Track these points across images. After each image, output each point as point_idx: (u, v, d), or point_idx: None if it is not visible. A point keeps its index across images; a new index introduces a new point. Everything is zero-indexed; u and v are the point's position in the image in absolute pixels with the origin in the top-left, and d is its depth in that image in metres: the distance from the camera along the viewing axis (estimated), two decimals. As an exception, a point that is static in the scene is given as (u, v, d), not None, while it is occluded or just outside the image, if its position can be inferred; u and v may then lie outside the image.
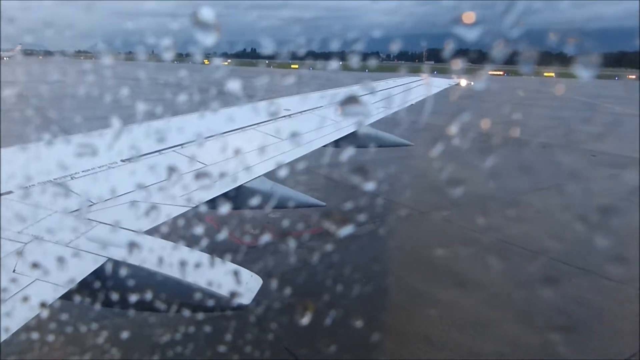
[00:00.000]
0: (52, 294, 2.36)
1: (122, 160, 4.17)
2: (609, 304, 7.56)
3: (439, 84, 11.52)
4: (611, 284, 8.14)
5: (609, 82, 61.77)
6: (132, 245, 2.85)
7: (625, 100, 40.11)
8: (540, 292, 7.59)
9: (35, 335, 2.96)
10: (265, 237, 9.69)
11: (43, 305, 2.29)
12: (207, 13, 2.54)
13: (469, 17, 2.48)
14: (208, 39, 2.52)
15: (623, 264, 8.31)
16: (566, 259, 8.93)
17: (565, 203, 12.63)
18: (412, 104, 9.30)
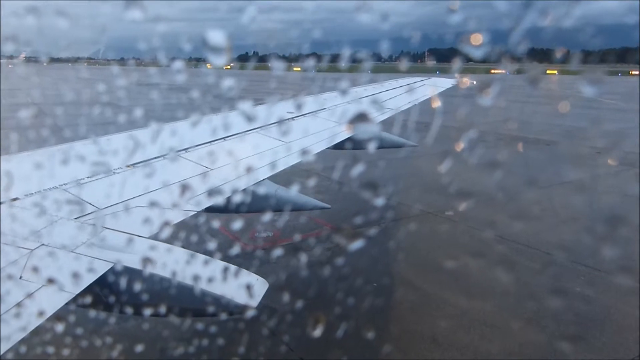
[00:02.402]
0: (59, 300, 2.37)
1: (128, 166, 4.18)
2: None
3: (441, 83, 11.51)
4: None
5: (612, 79, 61.47)
6: (139, 251, 2.86)
7: (629, 97, 39.93)
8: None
9: (42, 342, 2.97)
10: (271, 240, 9.70)
11: (50, 311, 2.30)
12: (217, 37, 2.55)
13: (476, 38, 2.49)
14: (220, 60, 2.54)
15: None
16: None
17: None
18: (415, 104, 9.30)
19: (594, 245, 9.32)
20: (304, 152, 5.27)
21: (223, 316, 2.80)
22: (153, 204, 3.57)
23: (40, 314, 2.25)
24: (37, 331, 2.23)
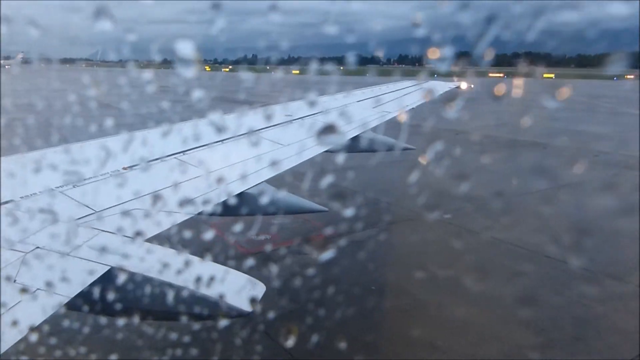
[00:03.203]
0: (54, 304, 2.35)
1: (124, 168, 4.16)
2: None
3: (440, 87, 11.52)
4: None
5: (608, 82, 61.84)
6: (135, 254, 2.84)
7: (625, 101, 40.24)
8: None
9: (36, 346, 2.93)
10: (269, 243, 9.67)
11: (45, 315, 2.27)
12: (186, 48, 2.50)
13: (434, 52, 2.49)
14: (189, 72, 2.49)
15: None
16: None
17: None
18: (417, 106, 9.30)
19: (594, 248, 9.36)
20: (302, 154, 5.26)
21: (220, 319, 2.78)
22: (149, 207, 3.55)
23: (35, 317, 2.22)
24: (31, 335, 2.21)
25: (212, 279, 2.76)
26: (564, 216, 11.60)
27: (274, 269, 8.30)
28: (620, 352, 6.28)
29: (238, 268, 2.99)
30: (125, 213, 3.43)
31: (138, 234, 3.11)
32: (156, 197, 3.71)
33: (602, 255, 9.13)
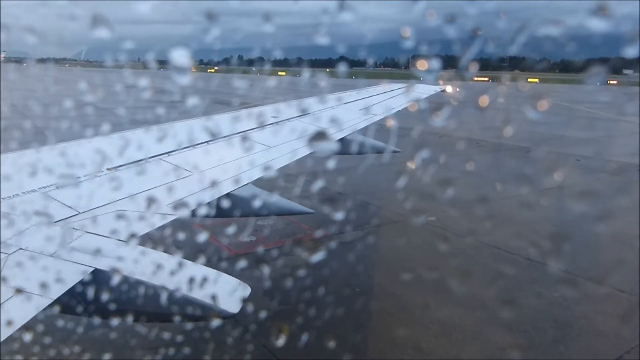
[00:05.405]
0: (37, 305, 2.32)
1: (109, 169, 4.13)
2: None
3: (424, 90, 11.61)
4: None
5: (590, 87, 62.91)
6: (119, 255, 2.82)
7: (606, 105, 41.04)
8: None
9: (20, 347, 2.90)
10: (254, 244, 9.66)
11: (29, 316, 2.25)
12: (181, 56, 2.49)
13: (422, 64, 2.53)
14: (184, 80, 2.50)
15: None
16: None
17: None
18: (402, 109, 9.35)
19: (577, 251, 9.52)
20: (289, 156, 5.27)
21: (205, 321, 2.77)
22: (134, 208, 3.53)
23: (19, 319, 2.20)
24: (14, 337, 2.19)
25: (196, 280, 2.76)
26: (542, 219, 11.77)
27: (259, 270, 8.29)
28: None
29: (223, 269, 2.99)
30: (109, 214, 3.41)
31: (124, 235, 3.09)
32: (142, 199, 3.69)
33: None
